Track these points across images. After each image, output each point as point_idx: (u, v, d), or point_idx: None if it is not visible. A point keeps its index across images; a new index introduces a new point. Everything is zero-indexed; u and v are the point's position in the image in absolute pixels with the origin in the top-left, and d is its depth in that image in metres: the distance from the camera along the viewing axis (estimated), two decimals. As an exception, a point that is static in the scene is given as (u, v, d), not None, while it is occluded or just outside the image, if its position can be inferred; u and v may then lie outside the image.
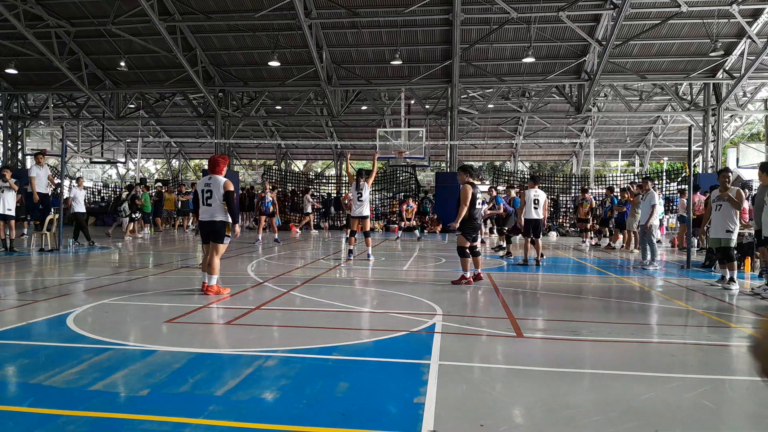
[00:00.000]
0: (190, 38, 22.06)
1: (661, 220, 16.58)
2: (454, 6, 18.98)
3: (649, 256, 10.72)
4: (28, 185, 13.20)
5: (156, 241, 15.86)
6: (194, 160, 46.53)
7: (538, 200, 10.90)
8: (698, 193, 14.96)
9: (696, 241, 13.20)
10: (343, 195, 15.33)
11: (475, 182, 8.22)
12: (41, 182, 12.97)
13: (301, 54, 22.36)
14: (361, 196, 11.22)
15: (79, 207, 13.97)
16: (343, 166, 10.98)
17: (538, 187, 11.32)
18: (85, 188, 16.45)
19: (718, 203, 8.46)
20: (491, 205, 14.34)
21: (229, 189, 6.78)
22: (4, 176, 11.59)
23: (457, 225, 7.99)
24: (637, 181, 20.36)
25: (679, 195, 15.49)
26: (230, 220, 6.86)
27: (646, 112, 28.81)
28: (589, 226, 17.30)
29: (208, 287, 6.72)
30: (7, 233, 11.55)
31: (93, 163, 38.40)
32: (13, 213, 11.60)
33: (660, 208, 15.20)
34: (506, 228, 13.76)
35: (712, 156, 23.52)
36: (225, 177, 6.94)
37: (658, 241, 16.52)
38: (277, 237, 16.40)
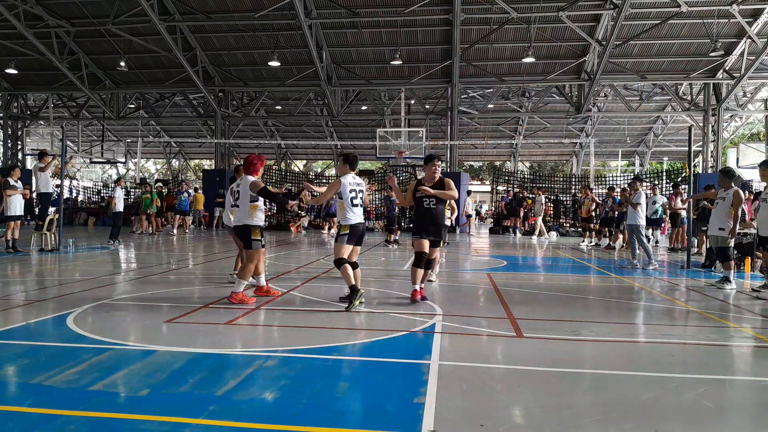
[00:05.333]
0: (190, 38, 22.06)
1: (661, 220, 16.56)
2: (454, 6, 18.97)
3: (644, 257, 10.65)
4: (30, 184, 13.30)
5: (157, 242, 15.86)
6: (194, 160, 46.51)
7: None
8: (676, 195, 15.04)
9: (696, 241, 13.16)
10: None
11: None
12: (47, 181, 13.05)
13: (301, 54, 22.36)
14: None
15: (119, 206, 14.41)
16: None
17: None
18: (124, 188, 16.97)
19: (716, 201, 8.52)
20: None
21: (258, 187, 6.30)
22: (13, 175, 11.72)
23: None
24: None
25: (673, 192, 15.47)
26: (256, 222, 6.44)
27: (646, 112, 28.80)
28: (591, 226, 17.33)
29: (233, 294, 6.26)
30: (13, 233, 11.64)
31: (93, 163, 38.39)
32: (21, 213, 11.85)
33: (656, 207, 15.23)
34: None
35: (712, 156, 23.51)
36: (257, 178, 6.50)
37: (657, 242, 16.59)
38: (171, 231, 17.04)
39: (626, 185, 19.22)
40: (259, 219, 6.48)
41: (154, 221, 19.15)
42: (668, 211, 15.69)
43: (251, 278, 6.61)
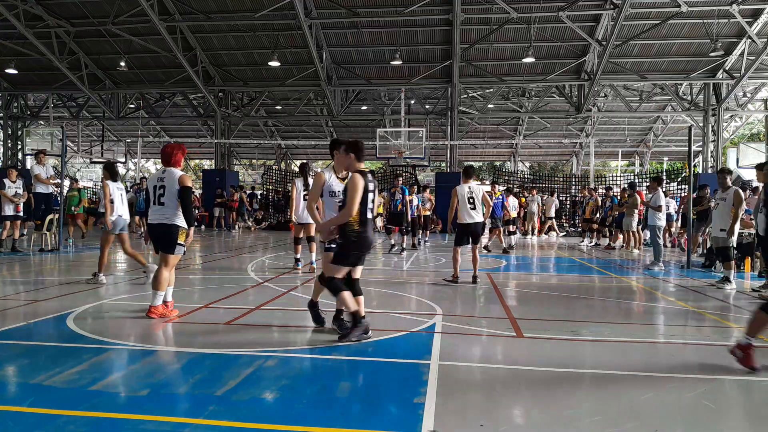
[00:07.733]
0: (190, 38, 22.05)
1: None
2: (454, 6, 18.96)
3: (653, 256, 10.69)
4: (31, 185, 13.29)
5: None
6: (194, 160, 46.49)
7: (473, 198, 8.07)
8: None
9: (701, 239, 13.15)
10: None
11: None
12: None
13: (301, 54, 22.35)
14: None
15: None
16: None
17: (473, 182, 8.30)
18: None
19: (716, 202, 8.53)
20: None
21: (185, 184, 5.47)
22: (10, 176, 11.72)
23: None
24: (641, 182, 20.35)
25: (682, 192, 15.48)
26: (184, 223, 5.55)
27: (646, 112, 28.79)
28: (592, 226, 17.35)
29: (152, 308, 5.40)
30: (12, 233, 11.63)
31: (93, 163, 38.36)
32: (22, 214, 11.83)
33: (670, 209, 15.23)
34: (404, 226, 13.70)
35: (712, 156, 23.51)
36: (182, 171, 5.67)
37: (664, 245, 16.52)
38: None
39: (626, 185, 19.23)
40: (182, 218, 5.57)
41: (80, 223, 16.05)
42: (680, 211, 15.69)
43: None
